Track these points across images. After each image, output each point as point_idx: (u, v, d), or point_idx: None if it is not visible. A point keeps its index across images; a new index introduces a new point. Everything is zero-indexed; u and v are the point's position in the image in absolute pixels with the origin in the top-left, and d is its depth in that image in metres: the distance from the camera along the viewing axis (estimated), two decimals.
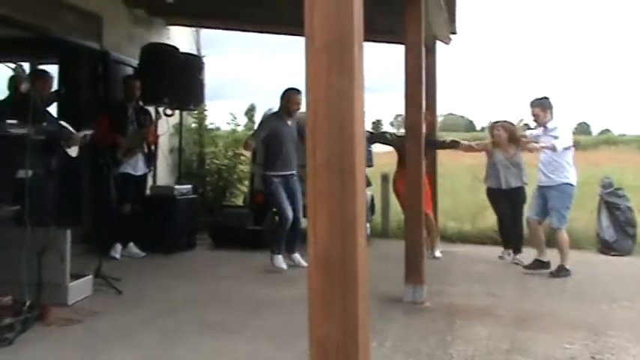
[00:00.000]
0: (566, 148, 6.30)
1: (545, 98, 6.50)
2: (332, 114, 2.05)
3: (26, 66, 8.07)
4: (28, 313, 4.03)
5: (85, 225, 6.96)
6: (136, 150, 6.65)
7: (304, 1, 2.05)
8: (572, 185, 6.30)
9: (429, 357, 3.79)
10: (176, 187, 7.42)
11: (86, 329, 4.19)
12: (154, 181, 7.66)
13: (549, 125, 6.39)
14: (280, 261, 6.21)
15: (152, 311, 4.67)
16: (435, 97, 7.69)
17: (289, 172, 6.33)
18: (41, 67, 8.52)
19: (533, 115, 6.49)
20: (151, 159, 7.02)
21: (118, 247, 6.63)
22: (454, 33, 7.51)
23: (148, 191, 7.28)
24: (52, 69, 7.51)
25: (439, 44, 7.73)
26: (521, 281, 6.02)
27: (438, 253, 7.11)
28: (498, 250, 7.29)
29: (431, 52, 7.41)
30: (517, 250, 6.98)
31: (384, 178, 8.55)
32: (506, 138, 6.91)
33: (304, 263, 5.83)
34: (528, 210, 6.69)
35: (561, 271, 6.23)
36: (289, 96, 6.31)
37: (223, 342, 3.99)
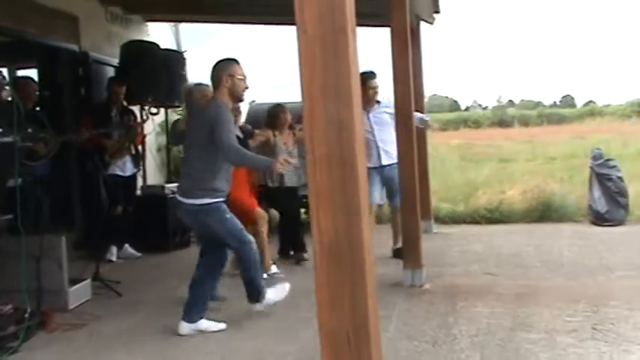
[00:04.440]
0: None
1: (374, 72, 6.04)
2: (329, 106, 2.03)
3: (5, 72, 7.99)
4: (30, 321, 4.02)
5: (79, 229, 6.90)
6: (123, 152, 6.59)
7: None
8: None
9: (432, 339, 3.81)
10: (166, 185, 7.38)
11: (89, 334, 4.18)
12: (144, 180, 7.61)
13: (382, 100, 6.04)
14: None
15: (153, 312, 4.66)
16: (421, 79, 7.66)
17: None
18: (21, 71, 8.49)
19: (376, 90, 6.00)
20: (138, 159, 6.96)
21: (114, 249, 6.60)
22: (437, 12, 7.47)
23: (138, 191, 7.24)
24: (32, 73, 7.47)
25: (423, 24, 7.69)
26: (518, 259, 6.05)
27: (274, 269, 5.65)
28: (493, 228, 7.28)
29: (415, 33, 7.38)
30: (304, 249, 6.22)
31: None
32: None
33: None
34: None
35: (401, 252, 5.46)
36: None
37: (227, 340, 3.98)
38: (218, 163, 4.03)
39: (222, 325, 4.20)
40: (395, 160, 5.57)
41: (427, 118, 6.52)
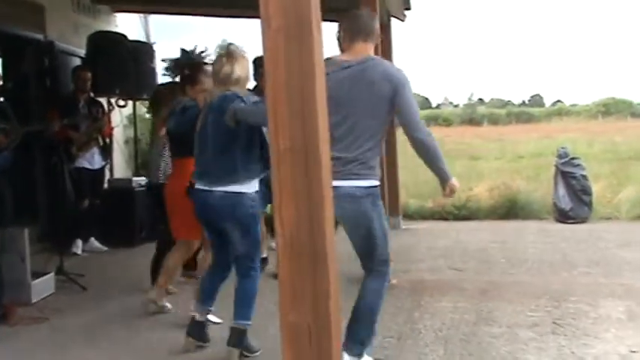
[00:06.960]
0: None
1: None
2: (293, 98, 2.02)
3: None
4: None
5: (43, 222, 6.79)
6: (91, 143, 6.49)
7: None
8: None
9: (397, 333, 3.84)
10: (134, 178, 7.29)
11: (52, 328, 4.12)
12: (111, 174, 7.51)
13: None
14: None
15: (117, 306, 4.60)
16: None
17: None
18: None
19: None
20: (107, 151, 6.87)
21: (79, 242, 6.50)
22: (408, 9, 7.50)
23: (105, 185, 7.14)
24: None
25: (394, 21, 7.71)
26: (484, 255, 6.12)
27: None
28: (460, 225, 7.36)
29: (386, 29, 7.39)
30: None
31: None
32: None
33: None
34: None
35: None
36: None
37: None
38: None
39: None
40: None
41: None
